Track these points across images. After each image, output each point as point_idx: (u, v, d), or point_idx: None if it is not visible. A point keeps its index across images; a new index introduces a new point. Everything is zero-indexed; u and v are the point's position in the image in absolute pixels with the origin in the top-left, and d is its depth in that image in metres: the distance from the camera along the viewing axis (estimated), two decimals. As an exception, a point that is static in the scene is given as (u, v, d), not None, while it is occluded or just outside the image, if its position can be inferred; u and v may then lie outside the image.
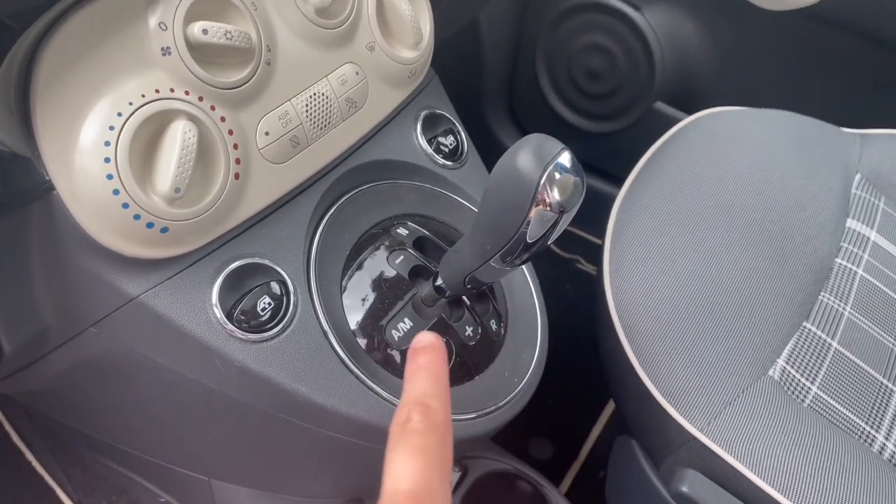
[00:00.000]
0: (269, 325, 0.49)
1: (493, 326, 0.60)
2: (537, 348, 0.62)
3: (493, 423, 0.57)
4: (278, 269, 0.50)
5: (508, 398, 0.58)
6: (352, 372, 0.51)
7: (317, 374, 0.50)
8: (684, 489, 0.64)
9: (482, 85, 1.39)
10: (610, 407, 1.21)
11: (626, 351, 0.74)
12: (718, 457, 0.66)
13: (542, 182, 0.37)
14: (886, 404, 0.72)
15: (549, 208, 0.38)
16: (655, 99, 1.25)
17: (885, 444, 0.69)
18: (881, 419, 0.71)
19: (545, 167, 0.37)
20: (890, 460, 0.68)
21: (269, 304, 0.49)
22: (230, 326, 0.47)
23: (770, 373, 0.71)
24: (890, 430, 0.70)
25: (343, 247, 0.56)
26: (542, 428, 1.19)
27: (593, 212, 0.81)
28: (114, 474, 0.88)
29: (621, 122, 1.32)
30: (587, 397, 1.23)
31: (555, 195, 0.37)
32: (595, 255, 0.91)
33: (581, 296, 1.34)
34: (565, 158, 0.38)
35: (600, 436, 1.17)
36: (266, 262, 0.50)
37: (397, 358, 0.54)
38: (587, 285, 1.03)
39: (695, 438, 0.68)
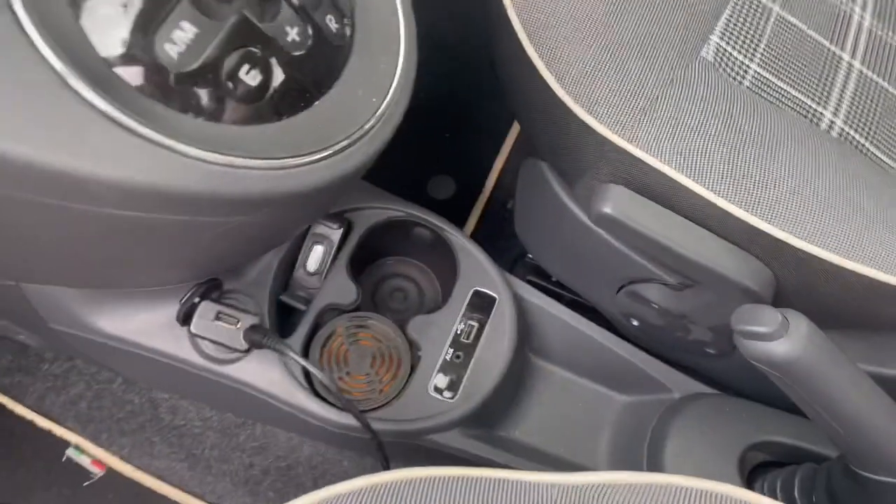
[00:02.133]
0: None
1: (332, 25, 0.41)
2: (401, 52, 0.44)
3: (351, 163, 0.41)
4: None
5: (367, 126, 0.41)
6: (107, 116, 0.33)
7: (51, 127, 0.32)
8: (607, 209, 0.52)
9: None
10: (515, 131, 1.07)
11: (529, 55, 0.57)
12: (644, 164, 0.54)
13: None
14: (834, 75, 0.60)
15: None
16: None
17: (833, 120, 0.58)
18: (829, 93, 0.59)
19: None
20: (839, 137, 0.57)
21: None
22: None
23: (703, 53, 0.57)
24: (839, 105, 0.58)
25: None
26: (441, 164, 1.05)
27: None
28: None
29: None
30: (488, 123, 1.08)
31: None
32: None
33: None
34: None
35: (505, 165, 1.05)
36: None
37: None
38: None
39: (616, 147, 0.55)
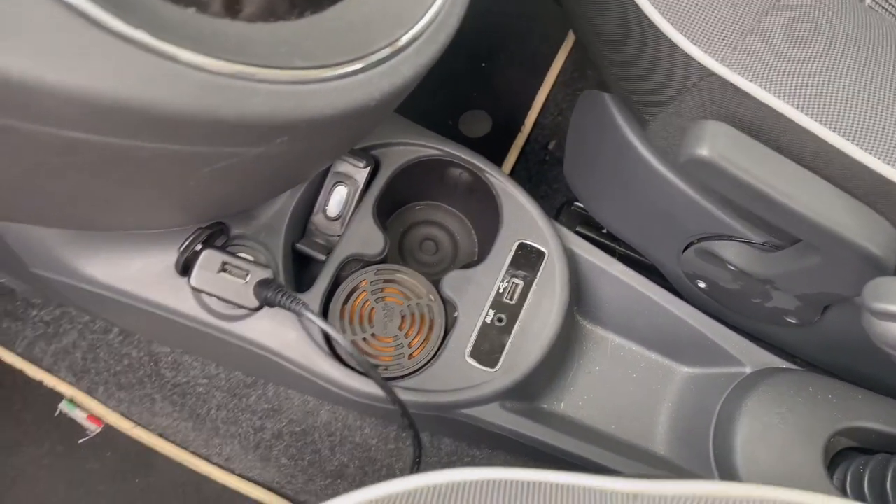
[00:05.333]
0: None
1: None
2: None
3: (394, 80, 0.31)
4: None
5: (416, 30, 0.31)
6: (73, 7, 0.23)
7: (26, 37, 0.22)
8: (702, 151, 0.42)
9: None
10: (560, 61, 0.95)
11: None
12: (746, 95, 0.43)
13: None
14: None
15: None
16: None
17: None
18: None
19: None
20: None
21: None
22: None
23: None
24: None
25: None
26: (474, 98, 0.94)
27: None
28: None
29: None
30: (529, 53, 0.96)
31: None
32: None
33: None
34: None
35: (547, 100, 0.94)
36: None
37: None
38: None
39: (711, 74, 0.44)
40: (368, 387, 0.54)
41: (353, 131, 0.36)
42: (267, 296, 0.47)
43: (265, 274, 0.47)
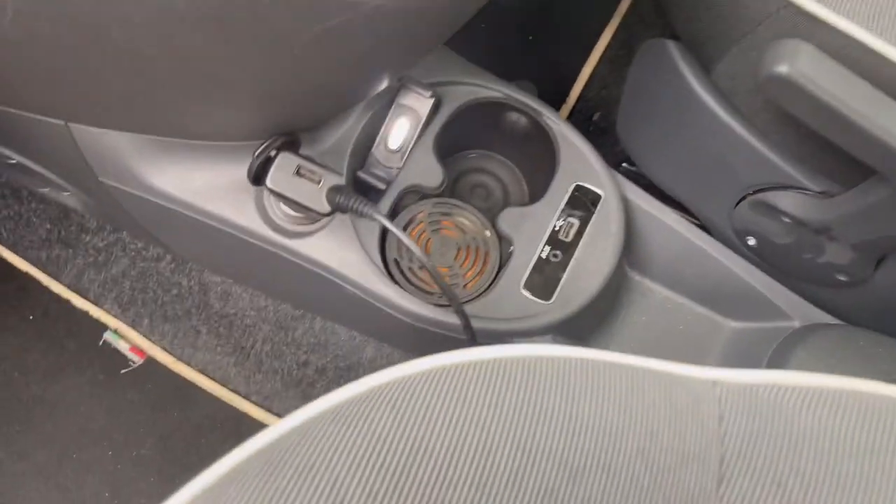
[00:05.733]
0: None
1: None
2: None
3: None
4: None
5: None
6: None
7: None
8: (781, 68, 0.42)
9: None
10: (604, 40, 0.96)
11: None
12: (827, 26, 0.44)
13: None
14: None
15: None
16: None
17: None
18: None
19: None
20: None
21: None
22: None
23: None
24: None
25: None
26: (521, 71, 0.95)
27: None
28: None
29: None
30: (577, 31, 0.98)
31: None
32: None
33: None
34: None
35: (594, 73, 0.95)
36: None
37: None
38: None
39: (788, 5, 0.45)
40: (424, 309, 0.55)
41: (449, 11, 0.37)
42: (339, 201, 0.48)
43: (338, 180, 0.48)
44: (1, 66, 0.42)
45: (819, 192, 0.56)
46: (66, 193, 0.61)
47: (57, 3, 0.34)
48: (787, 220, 0.59)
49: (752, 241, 0.65)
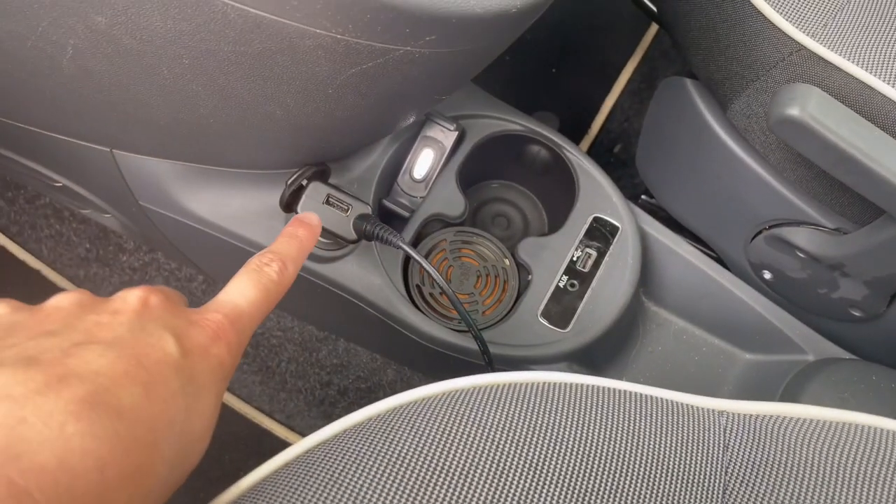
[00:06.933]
0: None
1: None
2: None
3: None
4: None
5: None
6: None
7: None
8: (792, 111, 0.44)
9: None
10: (628, 71, 0.99)
11: None
12: (835, 69, 0.46)
13: None
14: None
15: None
16: None
17: None
18: None
19: None
20: None
21: None
22: None
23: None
24: None
25: None
26: (544, 102, 0.98)
27: None
28: (5, 167, 0.67)
29: None
30: (600, 64, 1.00)
31: None
32: None
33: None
34: None
35: (615, 105, 0.97)
36: None
37: None
38: None
39: (801, 49, 0.47)
40: (443, 334, 0.57)
41: (477, 55, 0.39)
42: (365, 229, 0.50)
43: (365, 209, 0.51)
44: (55, 97, 0.45)
45: (833, 229, 0.57)
46: (106, 215, 0.65)
47: (113, 43, 0.37)
48: (801, 255, 0.60)
49: (767, 275, 0.66)
